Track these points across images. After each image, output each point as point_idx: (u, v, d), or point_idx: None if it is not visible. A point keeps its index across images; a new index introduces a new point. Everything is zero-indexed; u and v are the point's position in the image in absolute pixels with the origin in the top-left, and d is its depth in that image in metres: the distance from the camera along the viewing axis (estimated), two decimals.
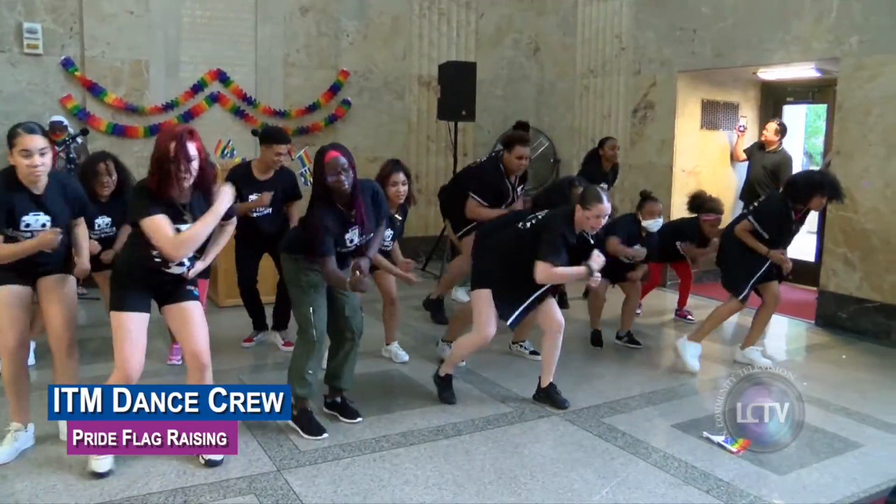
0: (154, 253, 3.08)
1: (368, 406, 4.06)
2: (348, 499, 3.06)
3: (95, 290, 5.09)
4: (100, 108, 6.80)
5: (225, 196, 3.14)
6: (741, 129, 7.72)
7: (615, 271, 5.33)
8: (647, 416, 4.11)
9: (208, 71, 7.23)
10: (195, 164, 3.02)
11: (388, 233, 4.47)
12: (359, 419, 3.85)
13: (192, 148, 3.00)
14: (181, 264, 3.18)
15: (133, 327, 3.11)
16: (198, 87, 7.19)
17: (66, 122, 6.38)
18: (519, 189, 5.51)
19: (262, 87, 7.46)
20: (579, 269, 3.88)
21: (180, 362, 4.54)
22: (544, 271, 3.82)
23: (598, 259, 3.90)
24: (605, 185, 6.70)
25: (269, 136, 4.87)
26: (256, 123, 7.06)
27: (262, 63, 7.49)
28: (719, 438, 3.68)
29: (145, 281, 3.18)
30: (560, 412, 4.07)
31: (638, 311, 6.36)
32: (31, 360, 4.21)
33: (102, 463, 3.14)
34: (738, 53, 6.72)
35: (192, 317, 3.26)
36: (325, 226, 3.46)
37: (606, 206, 3.82)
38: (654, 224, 5.31)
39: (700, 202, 5.72)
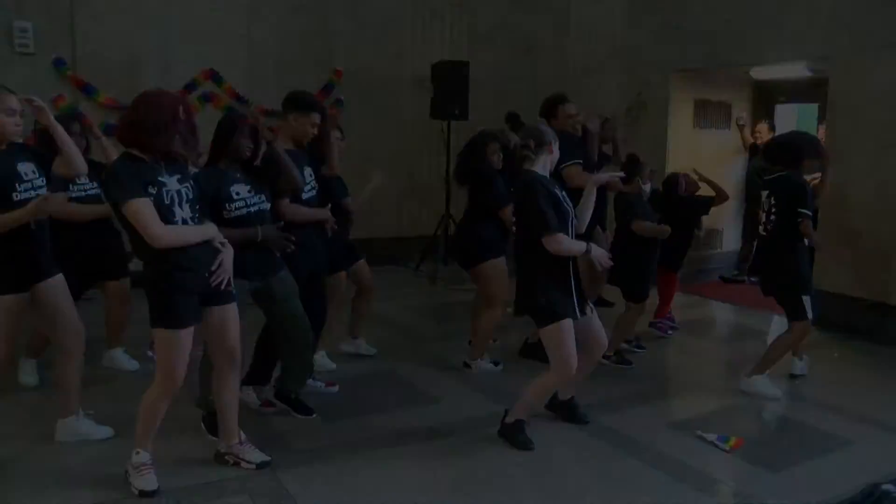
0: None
1: (362, 406, 4.06)
2: (342, 498, 3.06)
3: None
4: (92, 107, 6.74)
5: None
6: (740, 122, 7.87)
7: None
8: (640, 414, 4.11)
9: (201, 70, 7.19)
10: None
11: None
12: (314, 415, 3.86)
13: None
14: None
15: (186, 343, 2.95)
16: (191, 87, 7.14)
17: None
18: None
19: (256, 87, 7.44)
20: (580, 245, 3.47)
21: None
22: (551, 243, 3.38)
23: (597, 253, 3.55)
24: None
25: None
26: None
27: (256, 62, 7.46)
28: (712, 437, 3.70)
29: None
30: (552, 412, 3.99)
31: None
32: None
33: (149, 481, 3.00)
34: (731, 53, 6.73)
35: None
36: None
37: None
38: (648, 187, 5.13)
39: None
